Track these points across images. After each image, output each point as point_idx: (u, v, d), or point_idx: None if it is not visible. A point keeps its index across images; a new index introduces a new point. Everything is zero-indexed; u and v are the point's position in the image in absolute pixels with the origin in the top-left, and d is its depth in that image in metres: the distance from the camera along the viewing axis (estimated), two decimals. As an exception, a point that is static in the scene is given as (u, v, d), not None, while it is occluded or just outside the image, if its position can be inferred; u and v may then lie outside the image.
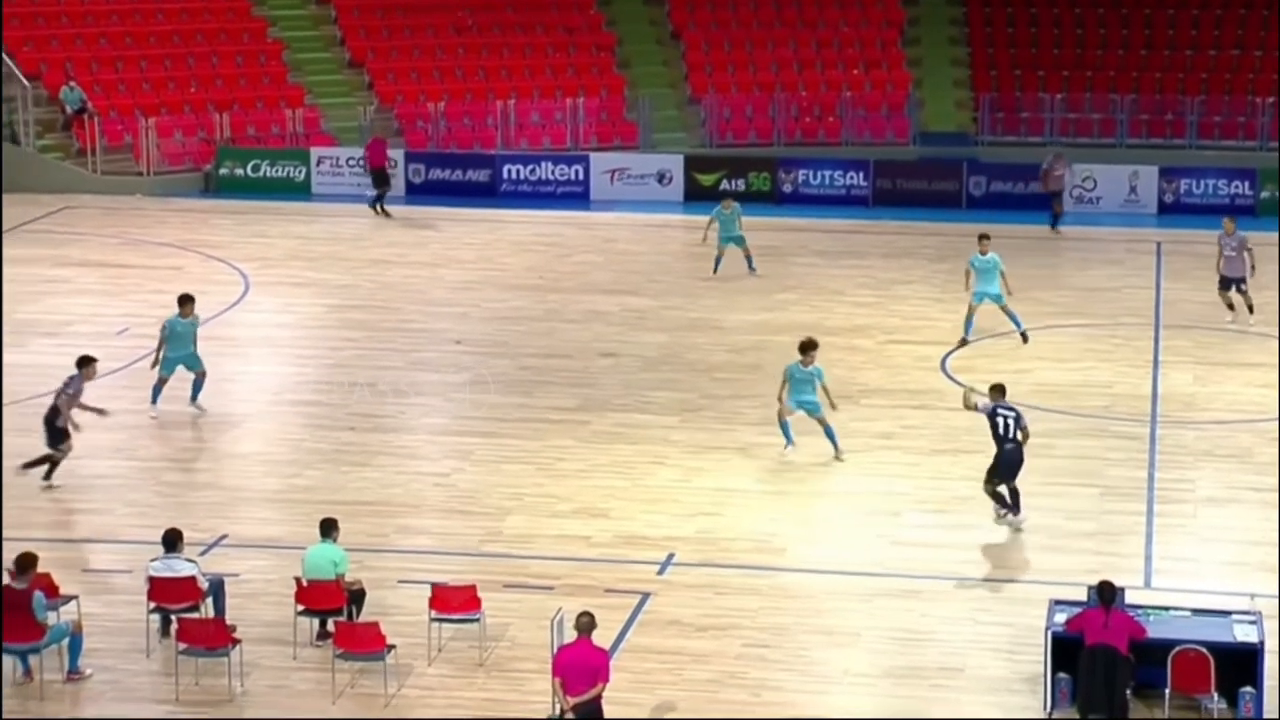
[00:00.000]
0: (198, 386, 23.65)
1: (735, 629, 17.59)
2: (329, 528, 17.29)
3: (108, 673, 16.43)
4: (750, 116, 41.55)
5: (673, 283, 31.15)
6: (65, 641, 16.28)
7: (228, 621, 16.59)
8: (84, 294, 29.86)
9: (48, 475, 21.19)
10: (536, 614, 17.32)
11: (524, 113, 40.87)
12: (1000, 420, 19.85)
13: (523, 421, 23.65)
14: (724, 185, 37.89)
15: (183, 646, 16.24)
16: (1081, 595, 16.28)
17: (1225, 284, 28.13)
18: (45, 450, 21.23)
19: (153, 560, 17.02)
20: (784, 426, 22.06)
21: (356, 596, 17.21)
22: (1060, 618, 16.01)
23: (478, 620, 16.96)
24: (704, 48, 43.59)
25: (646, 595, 18.29)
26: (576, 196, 38.22)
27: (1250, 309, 28.14)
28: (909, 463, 22.19)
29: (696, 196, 37.71)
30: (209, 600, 17.03)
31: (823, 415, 21.95)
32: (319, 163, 38.37)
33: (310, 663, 16.71)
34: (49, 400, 21.63)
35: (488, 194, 38.06)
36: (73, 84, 38.72)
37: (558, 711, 14.88)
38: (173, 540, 17.00)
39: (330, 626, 16.84)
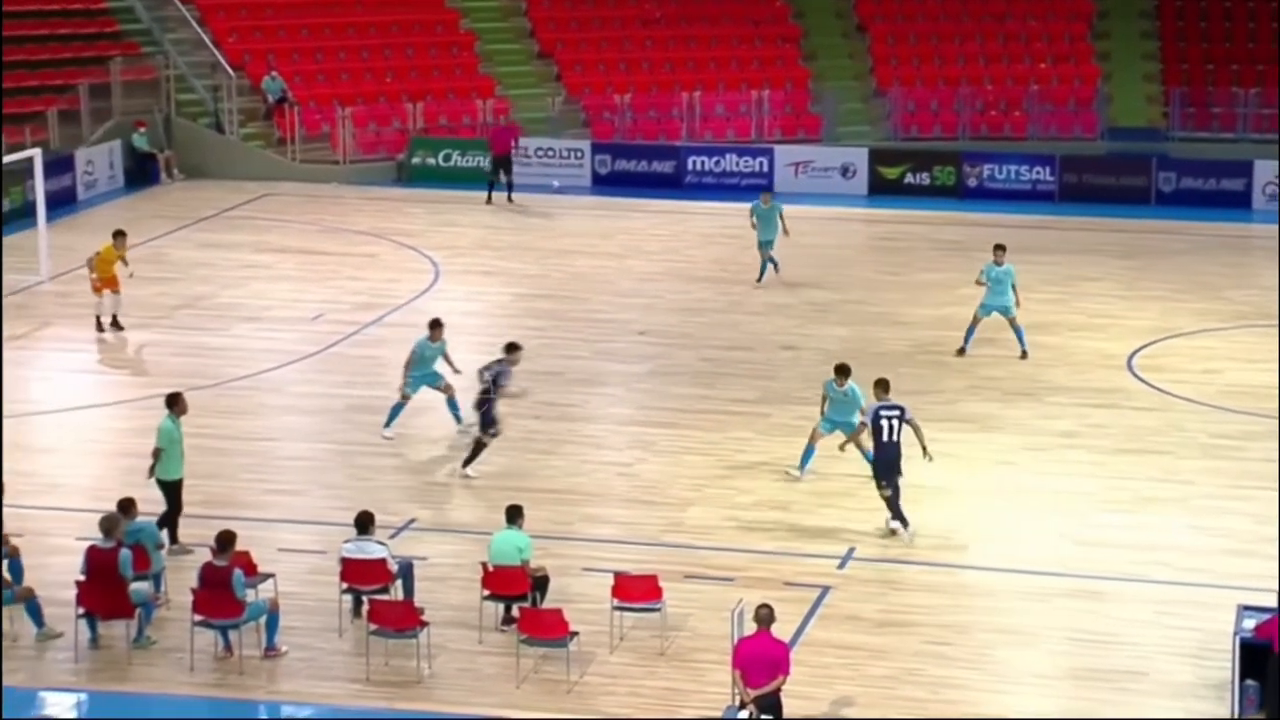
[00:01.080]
0: (453, 407, 22.76)
1: (915, 626, 17.47)
2: (514, 514, 17.47)
3: (302, 651, 16.80)
4: (935, 110, 41.14)
5: (855, 276, 30.98)
6: (263, 619, 16.66)
7: (416, 604, 16.86)
8: (283, 280, 30.49)
9: (466, 463, 21.22)
10: (717, 605, 17.36)
11: (709, 105, 40.88)
12: (885, 423, 19.34)
13: (704, 413, 23.70)
14: (908, 179, 37.61)
15: (373, 627, 16.53)
16: (1271, 601, 15.91)
17: None
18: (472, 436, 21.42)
19: (345, 542, 17.36)
20: (808, 451, 21.06)
21: (541, 583, 17.39)
22: (1249, 623, 15.66)
23: (659, 610, 17.05)
24: (890, 40, 43.24)
25: (826, 589, 18.24)
26: (760, 189, 38.00)
27: None
28: (1093, 462, 21.85)
29: (880, 190, 37.45)
30: (398, 582, 17.32)
31: (859, 437, 20.42)
32: (508, 153, 38.72)
33: (495, 647, 16.92)
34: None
35: (673, 185, 38.15)
36: (274, 74, 39.54)
37: (737, 703, 14.91)
38: (365, 523, 17.31)
39: (515, 612, 17.04)
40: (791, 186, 37.87)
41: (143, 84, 38.88)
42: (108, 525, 16.65)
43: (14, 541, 17.58)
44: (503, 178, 36.38)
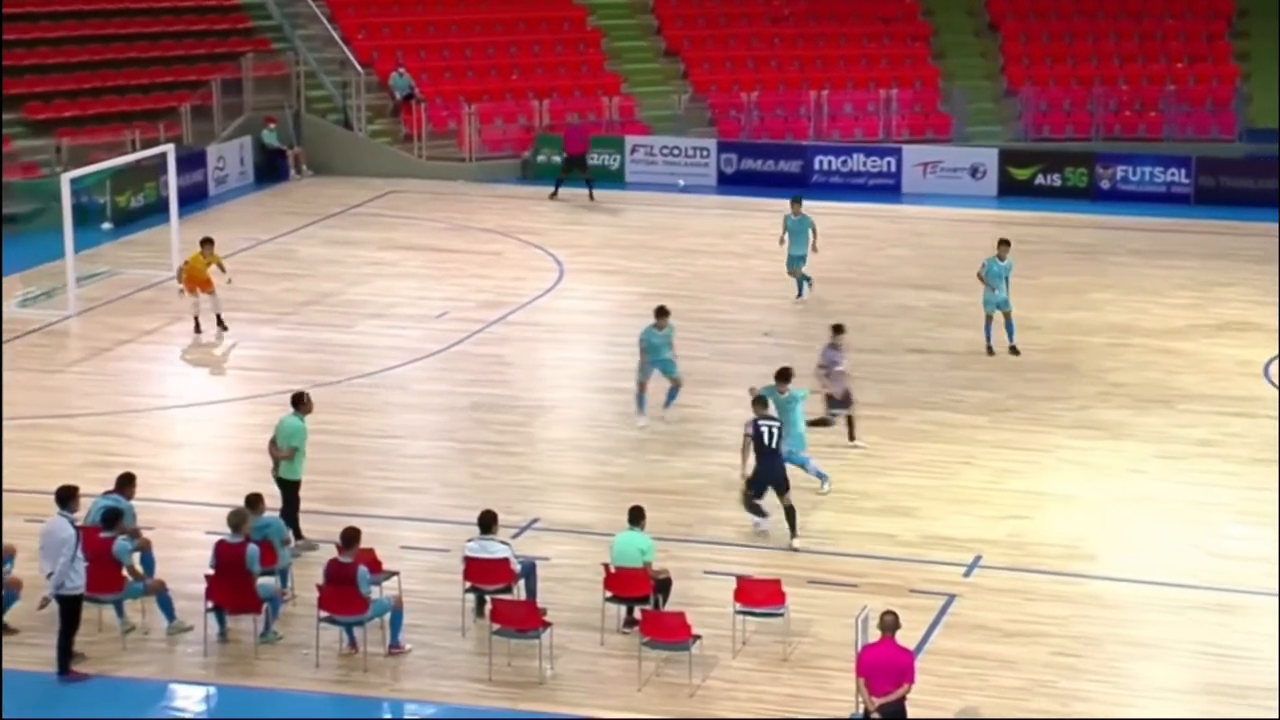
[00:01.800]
0: (672, 395, 23.16)
1: (1044, 636, 17.29)
2: (637, 516, 17.50)
3: (426, 649, 16.95)
4: (1068, 110, 40.66)
5: (984, 279, 30.66)
6: (387, 616, 16.83)
7: (539, 604, 16.95)
8: (408, 277, 30.77)
9: (852, 435, 22.12)
10: (841, 611, 17.29)
11: (837, 103, 40.71)
12: (765, 430, 19.37)
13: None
14: (1039, 180, 37.22)
15: (496, 627, 16.65)
16: None
17: None
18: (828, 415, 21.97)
19: (469, 541, 17.49)
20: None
21: (663, 585, 17.41)
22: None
23: (782, 615, 17.02)
24: (1022, 39, 42.79)
25: (952, 597, 18.11)
26: (888, 189, 37.95)
27: None
28: (1228, 471, 21.50)
29: (1010, 191, 37.09)
30: (521, 582, 17.43)
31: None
32: (633, 151, 38.85)
33: (617, 649, 16.97)
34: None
35: (799, 185, 37.92)
36: (402, 71, 39.92)
37: (862, 711, 14.84)
38: (488, 522, 17.42)
39: (637, 614, 17.08)
40: (919, 187, 37.64)
41: (273, 80, 39.43)
42: (236, 520, 16.92)
43: (146, 535, 17.92)
44: (575, 175, 36.46)
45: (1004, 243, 26.34)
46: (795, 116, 40.58)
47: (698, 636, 16.40)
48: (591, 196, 36.36)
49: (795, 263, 28.99)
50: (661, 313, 23.23)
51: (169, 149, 31.37)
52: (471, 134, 39.03)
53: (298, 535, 18.96)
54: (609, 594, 17.25)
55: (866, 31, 43.09)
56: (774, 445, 19.43)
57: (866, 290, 29.89)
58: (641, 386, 23.17)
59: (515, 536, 18.97)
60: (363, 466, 21.79)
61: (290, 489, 19.05)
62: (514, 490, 20.97)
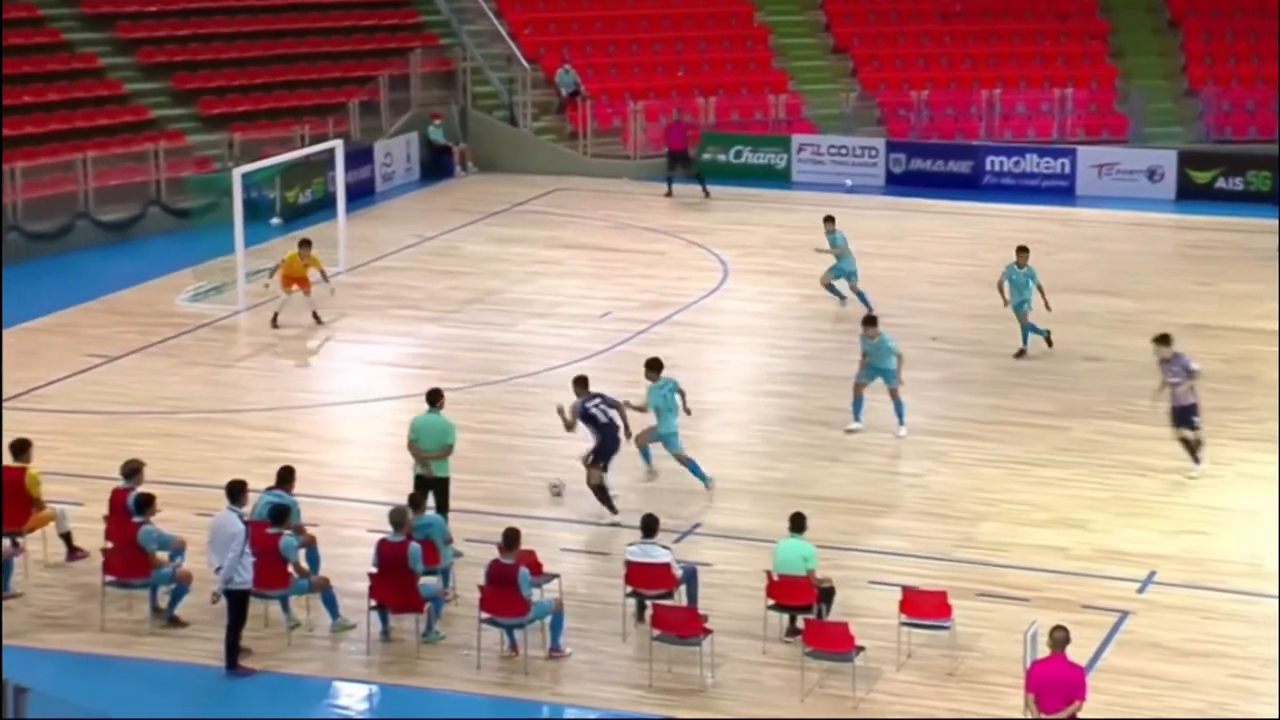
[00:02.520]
0: (899, 410, 22.89)
1: (1222, 657, 16.94)
2: (799, 522, 17.44)
3: (586, 653, 17.04)
4: (1252, 110, 39.79)
5: (1161, 285, 30.15)
6: (548, 619, 16.95)
7: (700, 611, 16.95)
8: (572, 276, 30.96)
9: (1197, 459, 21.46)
10: (1010, 625, 17.09)
11: (1009, 103, 40.24)
12: (596, 412, 20.01)
13: (999, 424, 23.36)
14: (1220, 183, 36.48)
15: (656, 633, 16.68)
16: None
17: None
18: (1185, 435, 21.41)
19: (630, 545, 17.56)
20: (644, 453, 21.37)
21: (826, 594, 17.33)
22: None
23: (949, 628, 16.86)
24: (1204, 36, 41.96)
25: (1125, 614, 17.82)
26: (1061, 191, 37.41)
27: None
28: None
29: (1190, 195, 36.40)
30: (682, 588, 17.45)
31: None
32: (800, 150, 38.73)
33: (779, 658, 16.93)
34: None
35: (969, 186, 37.64)
36: (568, 67, 40.17)
37: (1030, 729, 14.66)
38: (650, 526, 17.47)
39: (800, 623, 17.03)
40: (1095, 189, 37.08)
41: (440, 76, 39.91)
42: (397, 518, 17.14)
43: (311, 531, 18.24)
44: (682, 172, 36.41)
45: (1022, 250, 26.30)
46: (966, 116, 40.17)
47: (861, 648, 16.31)
48: (706, 194, 36.28)
49: (850, 277, 28.32)
50: (871, 322, 23.26)
51: (338, 144, 31.89)
52: (636, 131, 39.16)
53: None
54: (771, 602, 17.21)
55: (1041, 28, 42.52)
56: (608, 421, 20.09)
57: (1037, 296, 29.42)
58: (858, 389, 23.10)
59: (677, 541, 19.00)
60: (524, 467, 21.96)
61: (445, 487, 19.17)
62: (676, 494, 20.99)
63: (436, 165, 38.65)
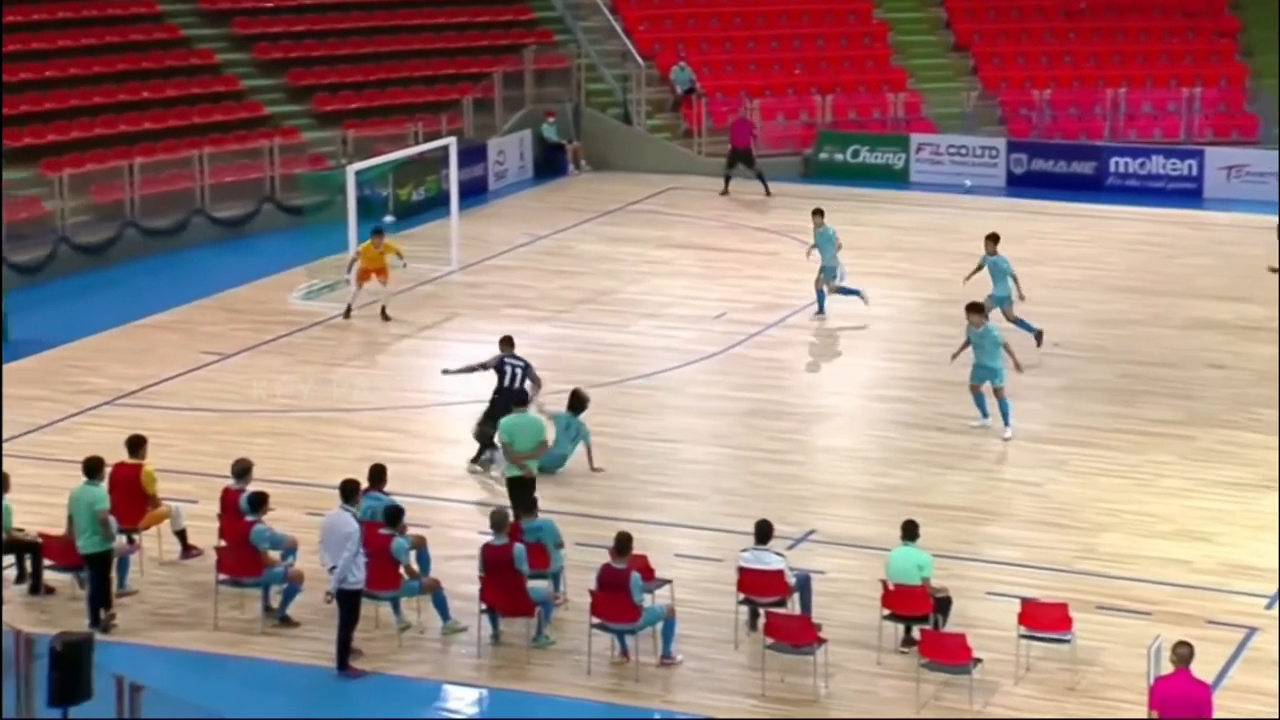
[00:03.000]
0: (1005, 411, 22.85)
1: (1352, 679, 16.65)
2: (911, 530, 17.33)
3: (697, 661, 17.04)
4: (1388, 110, 39.08)
5: (1292, 291, 29.68)
6: (659, 625, 16.96)
7: (814, 619, 16.91)
8: (684, 276, 30.96)
9: None
10: (1132, 640, 16.90)
11: (1135, 102, 39.78)
12: (508, 369, 21.43)
13: (1121, 433, 23.10)
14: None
15: (769, 641, 16.64)
16: None
17: None
18: None
19: (743, 551, 17.52)
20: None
21: (943, 604, 17.23)
22: None
23: (1069, 641, 16.69)
24: (1339, 35, 41.24)
25: (1252, 630, 17.55)
26: (1188, 194, 36.91)
27: None
28: None
29: (1323, 197, 35.77)
30: (796, 596, 17.40)
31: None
32: (918, 150, 38.51)
33: (894, 669, 16.84)
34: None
35: (1092, 188, 37.24)
36: (683, 64, 40.18)
37: (1153, 748, 14.48)
38: (765, 532, 17.43)
39: (915, 634, 16.94)
40: (1223, 192, 36.57)
41: (554, 73, 40.06)
42: (499, 521, 17.22)
43: (421, 533, 18.38)
44: (744, 170, 36.23)
45: (992, 238, 26.48)
46: (1090, 115, 39.74)
47: (979, 660, 16.19)
48: (768, 192, 36.10)
49: (827, 273, 28.17)
50: (976, 308, 23.25)
51: (451, 142, 32.09)
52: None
53: None
54: (886, 612, 17.13)
55: (1168, 26, 42.00)
56: (515, 385, 21.17)
57: (1162, 301, 29.14)
58: (975, 389, 23.04)
59: (790, 548, 18.96)
60: (636, 470, 22.00)
61: (533, 486, 19.28)
62: (789, 500, 20.95)
63: (549, 163, 38.81)
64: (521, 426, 19.60)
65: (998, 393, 22.88)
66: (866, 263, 31.76)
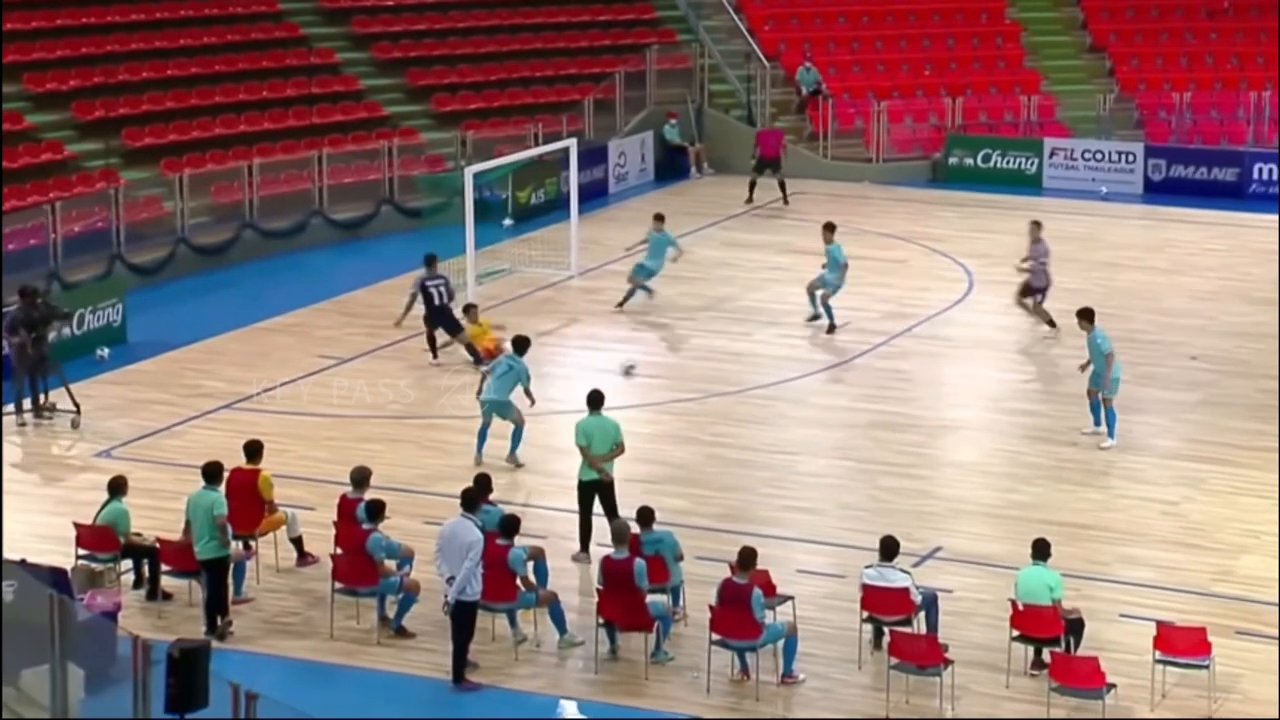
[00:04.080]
0: (1109, 420, 22.95)
1: None
2: (1042, 549, 17.21)
3: (819, 680, 17.02)
4: None
5: None
6: (781, 643, 16.96)
7: (940, 639, 16.84)
8: (805, 283, 30.81)
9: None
10: (1273, 667, 16.77)
11: (1280, 106, 39.23)
12: (432, 291, 25.59)
13: (1262, 451, 22.79)
14: None
15: (894, 661, 16.60)
16: None
17: None
18: None
19: (867, 567, 17.47)
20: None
21: (1074, 626, 17.09)
22: None
23: (1207, 667, 16.50)
24: None
25: (1401, 660, 17.25)
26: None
27: None
28: None
29: None
30: (921, 615, 17.34)
31: (511, 416, 22.37)
32: (1051, 154, 38.18)
33: (1023, 693, 16.74)
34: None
35: (1234, 195, 36.72)
36: (809, 64, 40.10)
37: (1292, 782, 14.31)
38: (891, 549, 17.37)
39: (1046, 656, 16.81)
40: (1375, 200, 35.97)
41: (676, 73, 40.12)
42: (620, 534, 17.29)
43: (538, 544, 18.50)
44: (769, 177, 36.09)
45: (829, 227, 27.97)
46: (1232, 119, 39.22)
47: (1112, 685, 16.07)
48: (785, 201, 35.93)
49: (643, 272, 28.99)
50: (1082, 314, 23.57)
51: (571, 143, 32.22)
52: (879, 133, 38.94)
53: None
54: (1016, 633, 17.02)
55: (1315, 26, 41.35)
56: (439, 304, 25.20)
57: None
58: (1091, 395, 22.96)
59: (916, 566, 18.89)
60: (758, 483, 22.02)
61: (613, 489, 19.44)
62: (914, 516, 20.87)
63: (671, 166, 38.88)
64: (598, 429, 19.68)
65: (1105, 401, 22.64)
66: (997, 270, 31.56)
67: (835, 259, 27.94)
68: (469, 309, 26.44)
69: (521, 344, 22.65)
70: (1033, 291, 27.80)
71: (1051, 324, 27.35)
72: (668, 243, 29.31)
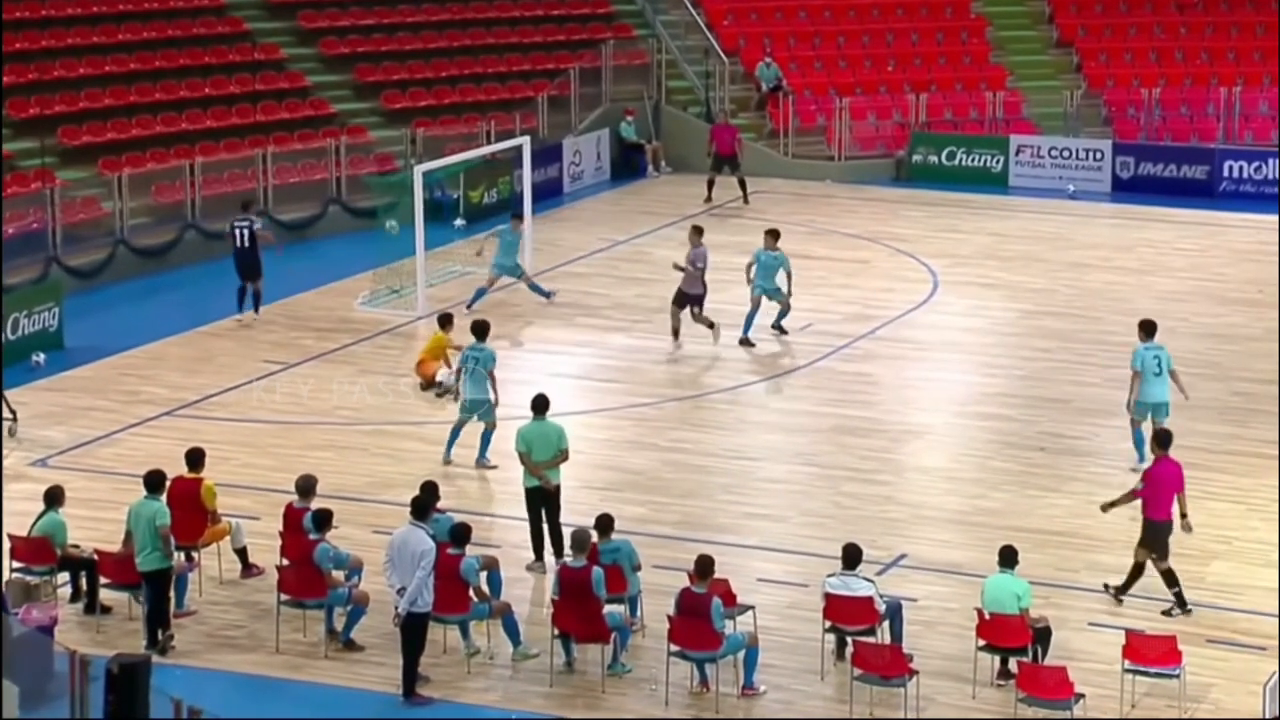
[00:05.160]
0: (1139, 443, 22.48)
1: None
2: (1009, 557, 17.28)
3: (781, 692, 17.05)
4: None
5: None
6: (741, 654, 16.98)
7: (905, 649, 16.89)
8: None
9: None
10: (1245, 676, 16.87)
11: (1250, 102, 39.48)
12: (237, 232, 27.69)
13: (1234, 455, 22.97)
14: None
15: (858, 672, 16.65)
16: None
17: None
18: None
19: (830, 576, 17.51)
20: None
21: (1042, 635, 17.17)
22: None
23: (1177, 676, 16.60)
24: None
25: (1374, 668, 17.38)
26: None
27: None
28: None
29: None
30: (886, 624, 17.39)
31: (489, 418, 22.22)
32: (1018, 152, 38.37)
33: (990, 703, 16.81)
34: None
35: (1204, 193, 36.97)
36: (769, 60, 40.19)
37: (1264, 793, 14.42)
38: (854, 556, 17.41)
39: (1013, 666, 16.88)
40: (1344, 197, 36.24)
41: (633, 69, 40.16)
42: (580, 542, 17.29)
43: (492, 554, 18.48)
44: (728, 175, 36.23)
45: (772, 233, 27.58)
46: (1202, 116, 39.51)
47: (1080, 695, 16.15)
48: (746, 200, 36.04)
49: (511, 271, 29.39)
50: (1150, 327, 23.08)
51: (525, 141, 32.20)
52: (842, 130, 39.06)
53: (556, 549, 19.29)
54: (982, 642, 17.09)
55: (1287, 21, 41.68)
56: (246, 245, 27.14)
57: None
58: (1135, 424, 22.67)
59: (880, 574, 18.94)
60: (717, 489, 22.05)
61: (558, 497, 19.46)
62: (878, 523, 20.94)
63: (627, 164, 38.91)
64: (538, 435, 19.68)
65: (1132, 423, 22.46)
66: (962, 271, 31.73)
67: (768, 266, 27.50)
68: (445, 321, 25.69)
69: (481, 329, 22.68)
70: (687, 300, 27.28)
71: (711, 325, 27.22)
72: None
